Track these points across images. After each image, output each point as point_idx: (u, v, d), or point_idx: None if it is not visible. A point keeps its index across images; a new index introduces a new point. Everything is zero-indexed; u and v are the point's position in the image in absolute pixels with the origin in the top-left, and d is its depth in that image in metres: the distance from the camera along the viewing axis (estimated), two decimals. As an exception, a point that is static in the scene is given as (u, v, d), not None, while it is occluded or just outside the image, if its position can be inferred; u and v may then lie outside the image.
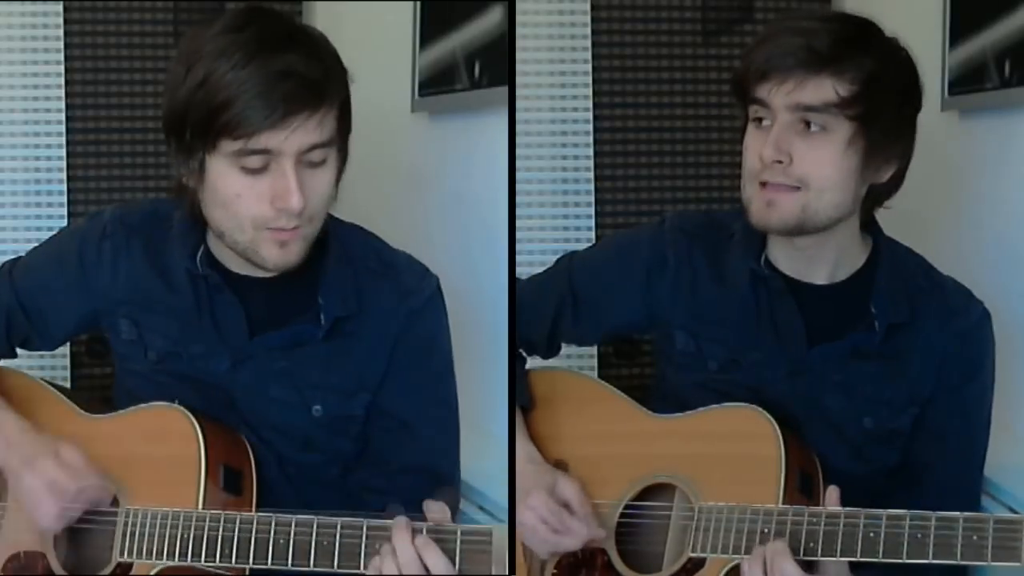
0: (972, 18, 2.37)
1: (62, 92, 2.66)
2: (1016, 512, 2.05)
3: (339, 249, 1.95)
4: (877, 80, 1.83)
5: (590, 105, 2.70)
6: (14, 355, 2.07)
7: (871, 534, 1.76)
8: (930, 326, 1.95)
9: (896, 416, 1.95)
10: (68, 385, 2.57)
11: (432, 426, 1.99)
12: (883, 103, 1.84)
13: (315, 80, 1.77)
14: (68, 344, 2.57)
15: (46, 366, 2.55)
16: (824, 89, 1.83)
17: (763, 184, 1.87)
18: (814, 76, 1.83)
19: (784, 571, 1.76)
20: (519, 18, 2.63)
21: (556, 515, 1.93)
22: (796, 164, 1.84)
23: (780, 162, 1.84)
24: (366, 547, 1.74)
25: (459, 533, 1.71)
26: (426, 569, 1.71)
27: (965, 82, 2.39)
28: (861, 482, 1.90)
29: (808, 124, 1.84)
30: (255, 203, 1.80)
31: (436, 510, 1.74)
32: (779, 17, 1.99)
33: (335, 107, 1.82)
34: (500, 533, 1.72)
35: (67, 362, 2.62)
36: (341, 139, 1.85)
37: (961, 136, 2.43)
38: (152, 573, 1.84)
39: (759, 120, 1.88)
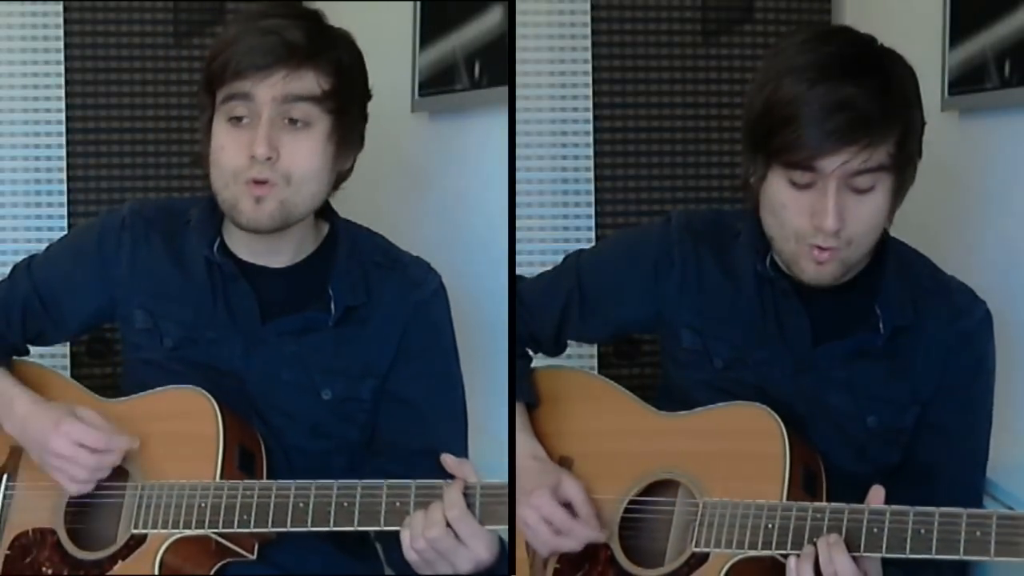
0: (972, 18, 2.37)
1: (62, 92, 2.66)
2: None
3: (347, 244, 2.03)
4: (906, 133, 1.83)
5: (590, 105, 2.70)
6: (27, 352, 2.10)
7: (875, 529, 1.76)
8: (934, 326, 1.95)
9: (899, 415, 1.96)
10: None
11: (441, 410, 2.04)
12: (909, 159, 1.86)
13: (294, 42, 1.88)
14: (68, 344, 2.57)
15: (46, 366, 2.54)
16: (879, 155, 1.81)
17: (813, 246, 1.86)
18: (864, 149, 1.80)
19: (840, 564, 1.75)
20: (519, 18, 2.63)
21: (558, 515, 1.94)
22: (848, 227, 1.84)
23: (839, 231, 1.83)
24: (386, 506, 1.78)
25: (478, 488, 1.78)
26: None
27: (965, 82, 2.38)
28: (863, 481, 1.89)
29: (856, 189, 1.82)
30: (234, 155, 1.90)
31: (453, 463, 1.79)
32: (796, 45, 1.91)
33: (323, 73, 1.90)
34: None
35: (67, 362, 2.62)
36: (336, 110, 1.92)
37: (961, 136, 2.43)
38: (165, 545, 1.85)
39: (805, 185, 1.83)
